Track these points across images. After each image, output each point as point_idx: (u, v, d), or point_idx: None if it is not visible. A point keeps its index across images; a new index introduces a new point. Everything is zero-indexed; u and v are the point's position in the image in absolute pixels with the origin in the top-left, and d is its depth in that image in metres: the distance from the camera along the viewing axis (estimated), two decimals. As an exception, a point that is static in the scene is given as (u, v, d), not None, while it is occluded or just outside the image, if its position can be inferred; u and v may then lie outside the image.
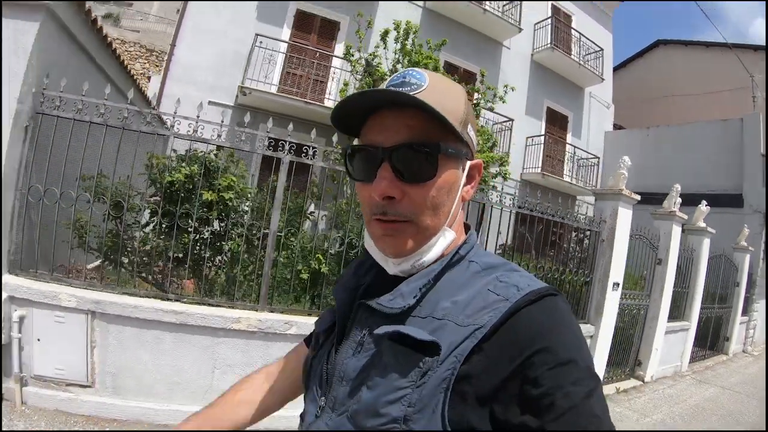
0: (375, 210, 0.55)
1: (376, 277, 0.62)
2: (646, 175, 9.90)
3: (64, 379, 2.70)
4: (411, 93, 0.51)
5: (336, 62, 7.63)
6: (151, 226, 2.81)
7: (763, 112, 9.65)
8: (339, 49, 7.72)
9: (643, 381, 5.32)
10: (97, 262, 3.49)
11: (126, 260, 2.93)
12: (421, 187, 0.53)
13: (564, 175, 9.83)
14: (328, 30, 7.92)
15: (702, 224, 6.50)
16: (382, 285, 0.58)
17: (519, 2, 9.24)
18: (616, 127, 12.00)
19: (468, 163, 0.59)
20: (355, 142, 0.59)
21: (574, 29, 10.69)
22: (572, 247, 4.87)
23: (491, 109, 6.69)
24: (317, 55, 7.56)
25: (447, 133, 0.53)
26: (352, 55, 5.76)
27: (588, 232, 4.75)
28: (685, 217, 5.79)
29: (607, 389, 4.80)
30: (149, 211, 2.89)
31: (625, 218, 4.75)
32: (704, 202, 6.61)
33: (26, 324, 2.64)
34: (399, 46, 5.83)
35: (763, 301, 8.85)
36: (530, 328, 0.46)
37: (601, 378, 4.46)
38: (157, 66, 13.71)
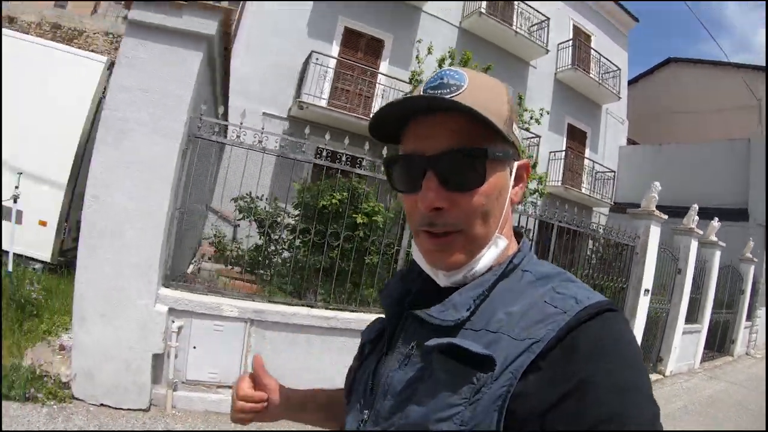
0: (422, 221, 0.54)
1: (425, 285, 0.60)
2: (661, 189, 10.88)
3: (217, 381, 3.06)
4: (450, 95, 0.51)
5: (381, 78, 8.46)
6: (298, 242, 3.58)
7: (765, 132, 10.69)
8: (384, 66, 8.57)
9: (663, 375, 6.25)
10: (207, 266, 4.31)
11: (269, 272, 3.67)
12: (469, 195, 0.52)
13: (582, 188, 10.78)
14: (374, 48, 8.75)
15: (714, 238, 7.47)
16: (432, 293, 0.57)
17: (546, 24, 10.17)
18: (630, 142, 13.00)
19: (515, 164, 0.57)
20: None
21: (593, 49, 11.65)
22: (607, 257, 5.77)
23: (527, 130, 7.58)
24: (367, 73, 8.38)
25: (492, 135, 0.52)
26: (419, 81, 6.57)
27: (619, 245, 5.66)
28: (701, 232, 6.74)
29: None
30: (290, 229, 3.68)
31: (655, 234, 5.67)
32: (716, 218, 7.57)
33: (183, 333, 2.96)
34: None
35: (764, 308, 9.90)
36: (592, 346, 0.44)
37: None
38: None
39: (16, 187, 3.72)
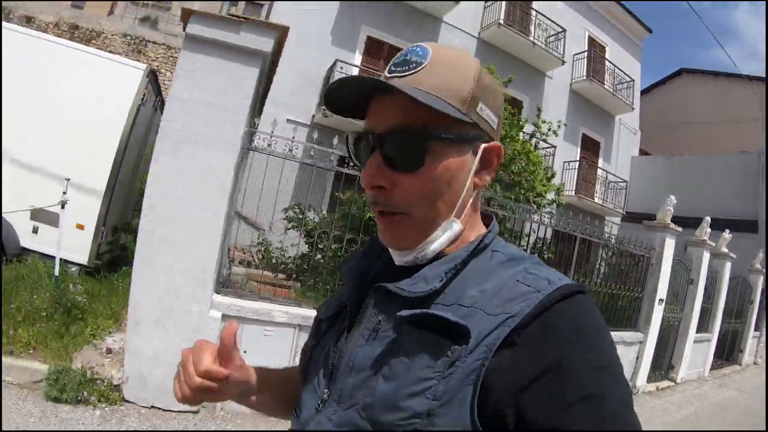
0: (369, 200, 0.55)
1: (389, 262, 0.59)
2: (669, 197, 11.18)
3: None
4: (408, 73, 0.51)
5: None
6: (342, 250, 3.92)
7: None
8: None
9: (675, 382, 6.55)
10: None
11: (315, 280, 3.97)
12: (412, 176, 0.51)
13: (595, 198, 11.08)
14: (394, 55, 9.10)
15: (725, 249, 7.77)
16: (395, 270, 0.56)
17: (563, 36, 10.48)
18: (642, 152, 13.30)
19: (482, 146, 0.54)
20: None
21: (608, 60, 11.96)
22: (624, 267, 6.08)
23: (545, 141, 7.89)
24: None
25: (444, 116, 0.50)
26: None
27: (635, 256, 5.97)
28: (713, 244, 7.04)
29: (649, 387, 6.02)
30: (336, 238, 4.01)
31: (669, 246, 5.98)
32: (727, 230, 7.87)
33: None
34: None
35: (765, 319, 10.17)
36: (569, 326, 0.45)
37: (645, 378, 5.72)
38: None
39: (64, 193, 3.84)
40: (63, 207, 3.87)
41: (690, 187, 11.60)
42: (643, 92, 15.86)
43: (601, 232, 5.40)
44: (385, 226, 0.55)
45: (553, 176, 7.46)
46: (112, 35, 15.57)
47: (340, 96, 0.55)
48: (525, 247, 4.54)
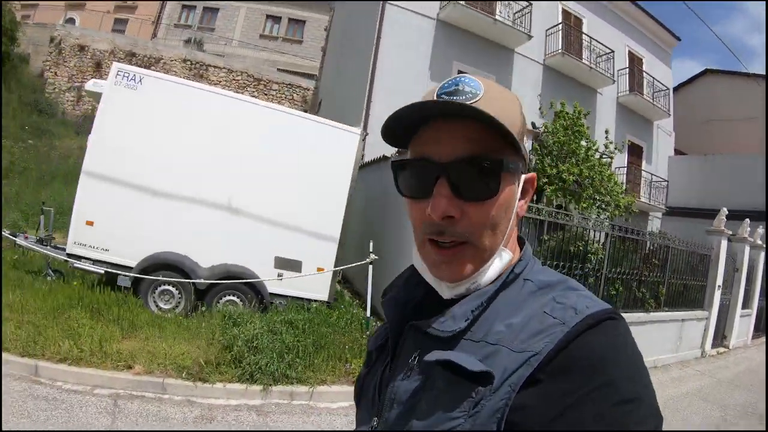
0: (430, 230, 0.58)
1: (428, 294, 0.65)
2: (705, 193, 13.70)
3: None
4: (467, 102, 0.55)
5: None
6: None
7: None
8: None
9: (728, 348, 9.11)
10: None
11: None
12: (481, 205, 0.56)
13: (641, 197, 13.54)
14: (481, 90, 11.32)
15: (759, 242, 10.29)
16: (434, 304, 0.62)
17: (612, 56, 12.77)
18: (677, 152, 15.78)
19: (522, 177, 0.62)
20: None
21: (645, 72, 14.32)
22: (693, 263, 8.52)
23: (611, 157, 10.22)
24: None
25: (506, 147, 0.56)
26: (550, 132, 9.06)
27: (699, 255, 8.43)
28: (760, 243, 9.54)
29: (712, 352, 8.53)
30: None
31: (723, 246, 8.46)
32: (762, 226, 10.37)
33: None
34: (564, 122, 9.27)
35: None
36: (591, 358, 0.48)
37: (710, 345, 8.25)
38: (292, 101, 16.41)
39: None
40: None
41: (722, 183, 14.10)
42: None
43: (686, 241, 7.79)
44: (444, 258, 0.58)
45: (621, 190, 9.84)
46: (171, 60, 16.93)
47: (399, 122, 0.58)
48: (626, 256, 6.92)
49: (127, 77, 5.54)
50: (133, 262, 5.41)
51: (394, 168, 0.62)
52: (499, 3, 11.16)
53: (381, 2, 10.16)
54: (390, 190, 6.33)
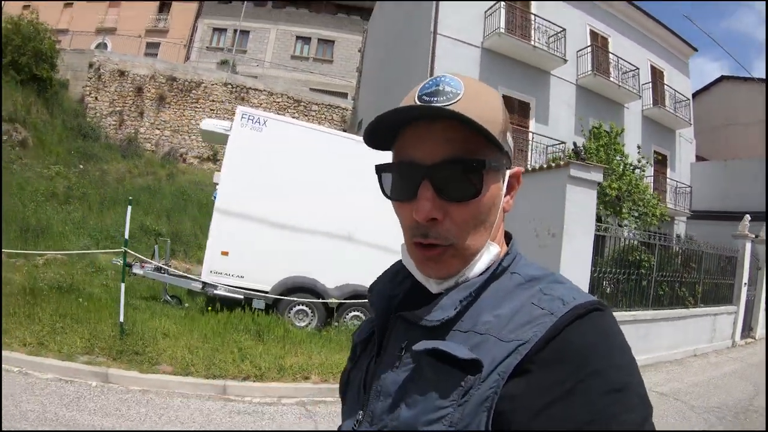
0: (416, 232, 0.61)
1: (414, 286, 0.69)
2: (725, 197, 15.26)
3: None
4: (447, 104, 0.57)
5: (530, 134, 12.63)
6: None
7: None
8: (532, 124, 12.76)
9: (754, 339, 10.65)
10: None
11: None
12: (465, 205, 0.59)
13: (667, 202, 15.11)
14: (524, 109, 12.91)
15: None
16: (421, 296, 0.65)
17: (637, 73, 14.38)
18: (698, 158, 17.36)
19: (507, 173, 0.65)
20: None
21: (667, 85, 15.92)
22: (723, 263, 10.06)
23: (643, 171, 11.79)
24: (529, 135, 12.55)
25: (489, 145, 0.58)
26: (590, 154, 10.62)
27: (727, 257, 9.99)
28: (774, 241, 11.08)
29: (740, 342, 10.06)
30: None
31: (748, 248, 10.02)
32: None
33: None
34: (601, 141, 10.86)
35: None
36: (580, 348, 0.51)
37: (739, 336, 9.82)
38: (331, 121, 17.89)
39: None
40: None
41: (741, 186, 15.65)
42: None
43: (718, 246, 9.35)
44: (430, 258, 0.62)
45: (655, 201, 11.40)
46: (212, 84, 18.10)
47: (380, 127, 0.61)
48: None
49: (252, 120, 6.69)
50: (266, 287, 6.50)
51: (378, 172, 0.65)
52: (533, 28, 12.79)
53: (432, 34, 11.77)
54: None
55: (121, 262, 8.36)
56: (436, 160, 0.58)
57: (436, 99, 0.58)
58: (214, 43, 22.98)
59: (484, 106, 0.60)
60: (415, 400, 0.56)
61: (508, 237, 0.71)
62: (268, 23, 22.58)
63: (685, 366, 7.91)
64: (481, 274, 0.63)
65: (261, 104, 18.09)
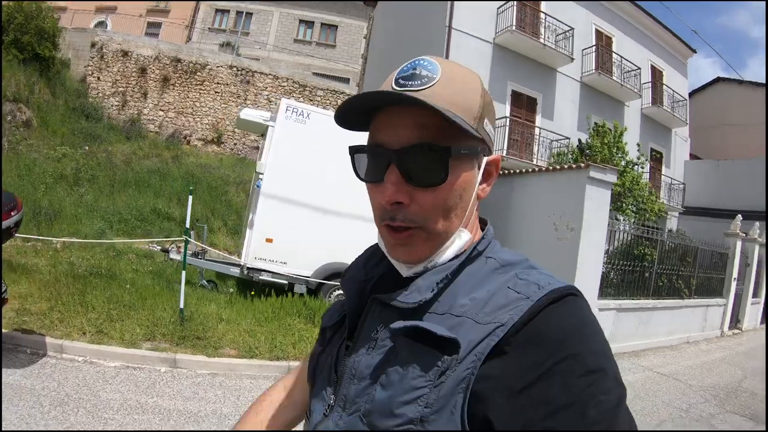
0: (384, 215, 0.63)
1: (389, 269, 0.70)
2: (717, 195, 16.15)
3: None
4: (420, 88, 0.58)
5: (536, 128, 13.22)
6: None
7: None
8: (538, 119, 13.35)
9: (741, 330, 11.56)
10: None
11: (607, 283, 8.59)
12: (431, 191, 0.60)
13: (662, 198, 15.93)
14: (531, 105, 13.47)
15: (762, 240, 12.72)
16: (395, 278, 0.66)
17: (639, 73, 15.05)
18: (692, 156, 18.22)
19: (484, 160, 0.66)
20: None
21: (665, 85, 16.64)
22: (715, 259, 10.86)
23: (642, 167, 12.51)
24: (536, 130, 13.14)
25: (460, 131, 0.58)
26: (599, 150, 11.23)
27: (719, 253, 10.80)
28: (762, 240, 11.96)
29: (728, 333, 10.93)
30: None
31: (738, 246, 10.85)
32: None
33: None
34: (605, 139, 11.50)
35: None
36: (557, 332, 0.52)
37: (728, 327, 10.72)
38: (335, 107, 18.24)
39: None
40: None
41: (731, 185, 16.56)
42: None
43: (711, 243, 10.13)
44: (398, 241, 0.63)
45: (655, 198, 12.15)
46: (218, 66, 18.07)
47: (351, 109, 0.62)
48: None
49: (296, 112, 7.12)
50: (307, 272, 6.91)
51: (351, 153, 0.67)
52: (542, 27, 13.31)
53: (447, 28, 12.20)
54: (511, 203, 8.46)
55: (160, 248, 8.61)
56: (404, 145, 0.59)
57: (411, 83, 0.60)
58: (217, 25, 22.93)
59: (458, 90, 0.60)
60: (391, 381, 0.57)
61: (483, 223, 0.73)
62: (271, 5, 22.54)
63: (680, 351, 8.71)
64: (451, 260, 0.64)
65: (266, 88, 18.12)
